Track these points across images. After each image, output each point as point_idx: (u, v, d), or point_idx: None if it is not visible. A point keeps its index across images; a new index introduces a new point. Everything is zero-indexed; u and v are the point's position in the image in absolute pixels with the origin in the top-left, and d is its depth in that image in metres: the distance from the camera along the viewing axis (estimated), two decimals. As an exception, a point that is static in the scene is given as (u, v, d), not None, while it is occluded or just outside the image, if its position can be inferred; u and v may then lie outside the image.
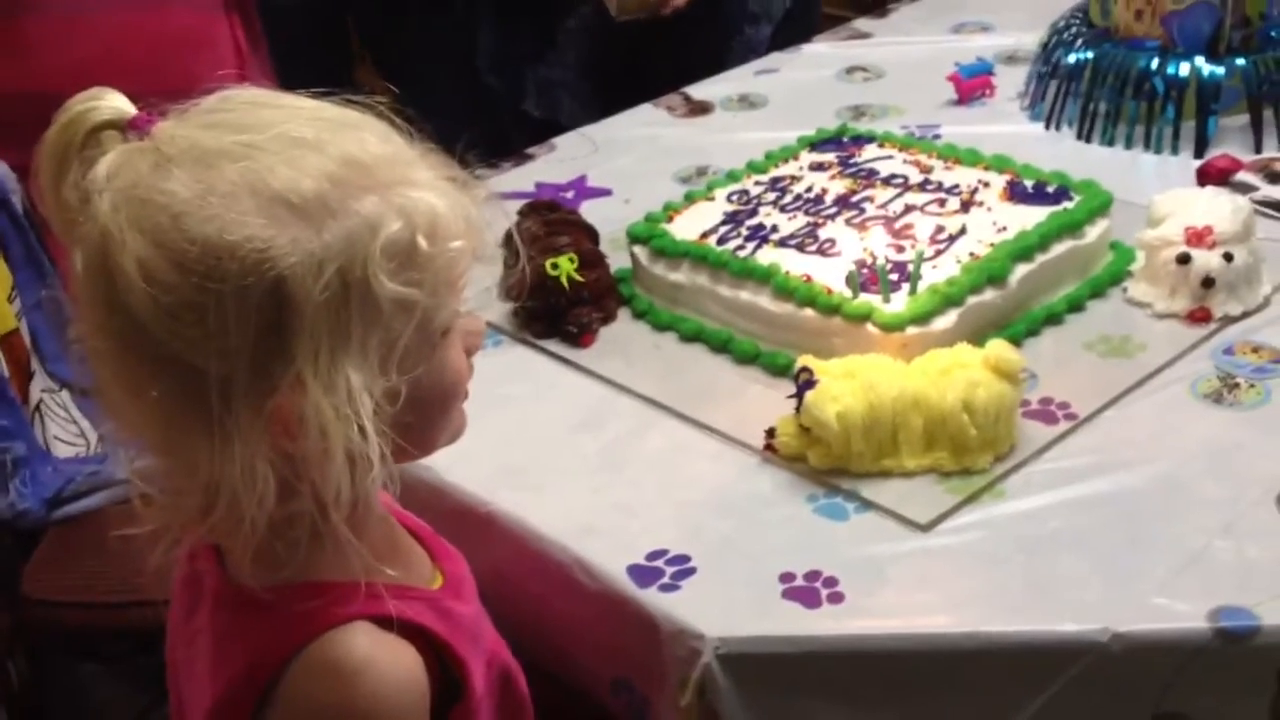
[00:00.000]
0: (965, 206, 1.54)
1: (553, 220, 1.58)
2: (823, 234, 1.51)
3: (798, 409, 1.27)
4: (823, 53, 2.21)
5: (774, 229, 1.53)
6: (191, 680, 0.95)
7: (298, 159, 0.83)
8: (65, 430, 1.70)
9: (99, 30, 1.71)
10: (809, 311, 1.41)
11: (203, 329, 0.80)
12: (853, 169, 1.65)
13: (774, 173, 1.67)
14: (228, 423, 0.82)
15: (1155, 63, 1.81)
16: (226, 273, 0.80)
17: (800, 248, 1.49)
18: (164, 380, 0.82)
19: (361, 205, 0.83)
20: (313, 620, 0.87)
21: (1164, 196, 1.54)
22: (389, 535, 0.96)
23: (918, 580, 1.17)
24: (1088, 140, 1.85)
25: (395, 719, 0.87)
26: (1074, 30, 1.94)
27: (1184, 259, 1.45)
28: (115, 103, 0.85)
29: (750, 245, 1.51)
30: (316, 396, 0.81)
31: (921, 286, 1.39)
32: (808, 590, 1.15)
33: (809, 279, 1.43)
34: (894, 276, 1.41)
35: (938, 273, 1.42)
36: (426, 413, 0.90)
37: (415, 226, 0.84)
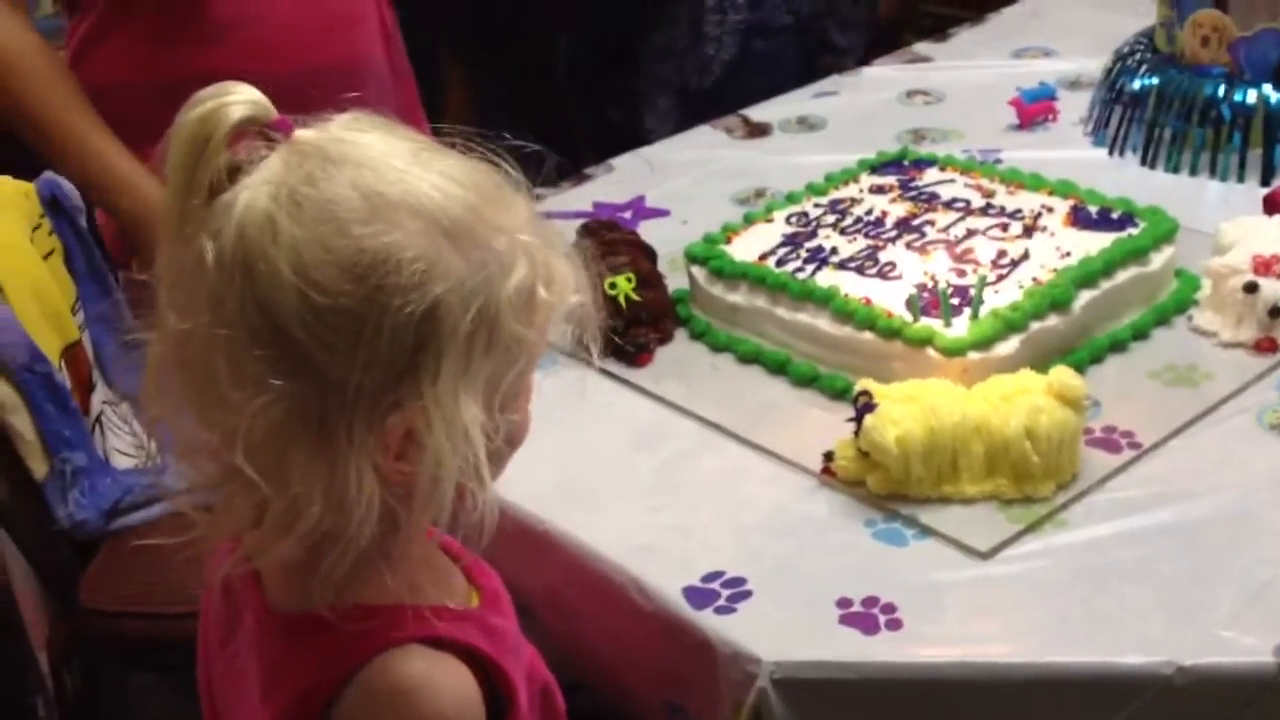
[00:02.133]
0: (1028, 231, 1.53)
1: (610, 240, 1.58)
2: (883, 257, 1.50)
3: (857, 432, 1.26)
4: (883, 76, 2.20)
5: (833, 251, 1.53)
6: (237, 707, 0.94)
7: (444, 187, 0.83)
8: (124, 442, 1.72)
9: (276, 6, 1.75)
10: (868, 334, 1.40)
11: (351, 339, 0.80)
12: (913, 192, 1.64)
13: (833, 195, 1.66)
14: (344, 436, 0.81)
15: (1222, 90, 1.79)
16: (394, 288, 0.79)
17: (860, 270, 1.48)
18: (287, 381, 0.81)
19: (496, 243, 0.84)
20: (366, 643, 0.86)
21: (1231, 224, 1.52)
22: (428, 554, 0.96)
23: (978, 609, 1.15)
24: (1152, 167, 1.83)
25: None
26: (1139, 56, 1.92)
27: (1251, 287, 1.43)
28: (253, 96, 0.83)
29: (809, 267, 1.50)
30: (437, 425, 0.81)
31: (984, 311, 1.38)
32: (865, 616, 1.14)
33: (869, 302, 1.42)
34: (955, 301, 1.39)
35: (1000, 298, 1.40)
36: (505, 452, 0.90)
37: (536, 274, 0.86)
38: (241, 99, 0.83)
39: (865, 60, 2.31)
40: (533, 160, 0.92)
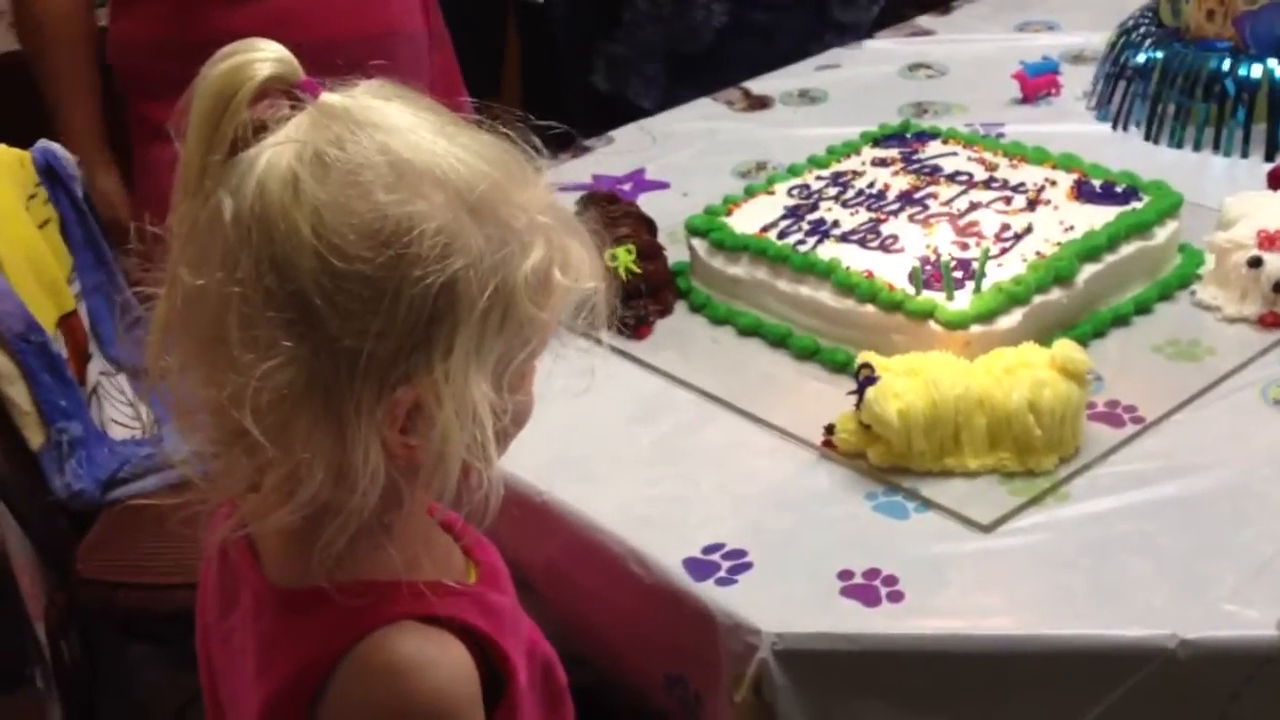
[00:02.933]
0: (1032, 205, 1.52)
1: (611, 212, 1.57)
2: (885, 230, 1.49)
3: (858, 405, 1.26)
4: (884, 49, 2.18)
5: (835, 224, 1.52)
6: (233, 680, 0.94)
7: (470, 161, 0.82)
8: (121, 413, 1.71)
9: None
10: (870, 308, 1.39)
11: (367, 306, 0.79)
12: (916, 165, 1.63)
13: (835, 168, 1.65)
14: (351, 405, 0.80)
15: (1227, 64, 1.78)
16: (414, 258, 0.79)
17: (862, 243, 1.47)
18: (298, 344, 0.80)
19: (516, 222, 0.83)
20: (361, 620, 0.85)
21: (1236, 199, 1.51)
22: (426, 530, 0.95)
23: (979, 581, 1.15)
24: (1155, 141, 1.82)
25: (454, 713, 0.86)
26: (1143, 30, 1.90)
27: (1255, 262, 1.43)
28: (281, 54, 0.82)
29: (811, 240, 1.49)
30: (446, 401, 0.81)
31: (986, 284, 1.37)
32: (867, 588, 1.14)
33: (870, 275, 1.41)
34: (958, 274, 1.39)
35: (1003, 271, 1.40)
36: (510, 432, 0.89)
37: (553, 257, 0.85)
38: (269, 56, 0.82)
39: (868, 34, 2.29)
40: (555, 140, 0.91)
